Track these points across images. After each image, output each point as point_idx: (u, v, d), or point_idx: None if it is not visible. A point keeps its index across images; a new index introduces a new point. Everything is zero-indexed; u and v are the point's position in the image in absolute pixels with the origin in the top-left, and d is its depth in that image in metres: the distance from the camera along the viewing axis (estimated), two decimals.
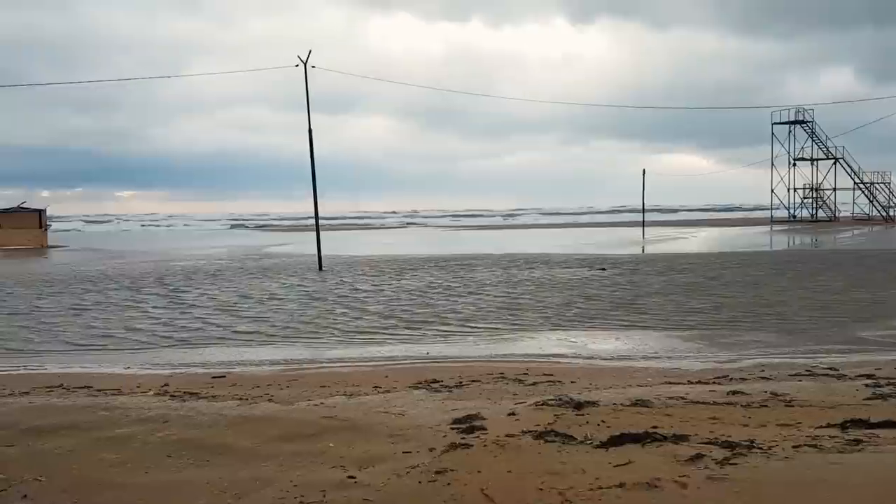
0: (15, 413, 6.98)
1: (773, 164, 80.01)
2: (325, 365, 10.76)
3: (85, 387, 9.27)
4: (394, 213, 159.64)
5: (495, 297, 18.77)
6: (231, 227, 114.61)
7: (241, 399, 8.17)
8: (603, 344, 12.40)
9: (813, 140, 77.18)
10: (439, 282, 22.92)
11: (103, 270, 30.58)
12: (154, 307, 18.36)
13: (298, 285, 22.75)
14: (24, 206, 57.43)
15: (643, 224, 68.52)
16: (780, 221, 76.82)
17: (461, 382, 8.76)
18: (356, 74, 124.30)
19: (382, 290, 20.89)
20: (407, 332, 14.01)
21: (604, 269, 25.61)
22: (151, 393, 8.71)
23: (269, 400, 8.07)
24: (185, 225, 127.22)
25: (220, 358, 11.78)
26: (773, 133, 79.45)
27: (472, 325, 14.73)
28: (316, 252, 28.29)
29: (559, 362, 10.57)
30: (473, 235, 66.97)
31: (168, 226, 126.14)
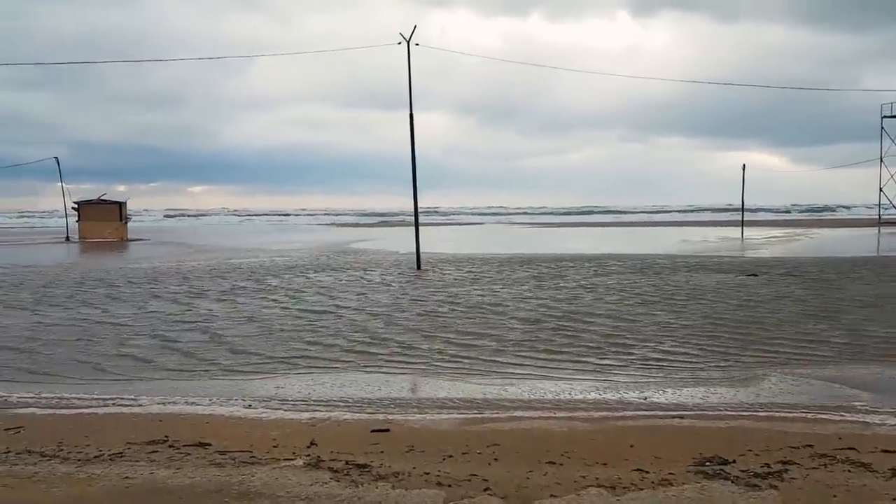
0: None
1: (881, 160, 73.98)
2: (513, 412, 7.83)
3: (200, 444, 6.60)
4: (463, 208, 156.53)
5: (681, 308, 15.48)
6: (312, 224, 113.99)
7: (439, 484, 5.35)
8: None
9: None
10: (585, 284, 19.86)
11: (196, 267, 28.58)
12: (263, 315, 15.85)
13: (402, 285, 20.02)
14: (104, 197, 56.83)
15: (742, 224, 63.95)
16: (889, 223, 70.78)
17: (769, 467, 5.71)
18: (456, 51, 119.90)
19: (521, 294, 17.90)
20: (581, 357, 10.96)
21: (755, 275, 22.05)
22: (300, 463, 5.96)
23: (488, 491, 5.21)
24: (253, 219, 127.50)
25: (364, 390, 9.00)
26: (882, 126, 73.47)
27: (679, 348, 11.56)
28: (408, 249, 25.63)
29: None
30: (560, 233, 63.46)
31: (243, 220, 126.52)
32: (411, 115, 25.30)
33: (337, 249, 39.62)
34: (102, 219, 54.73)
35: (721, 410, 7.80)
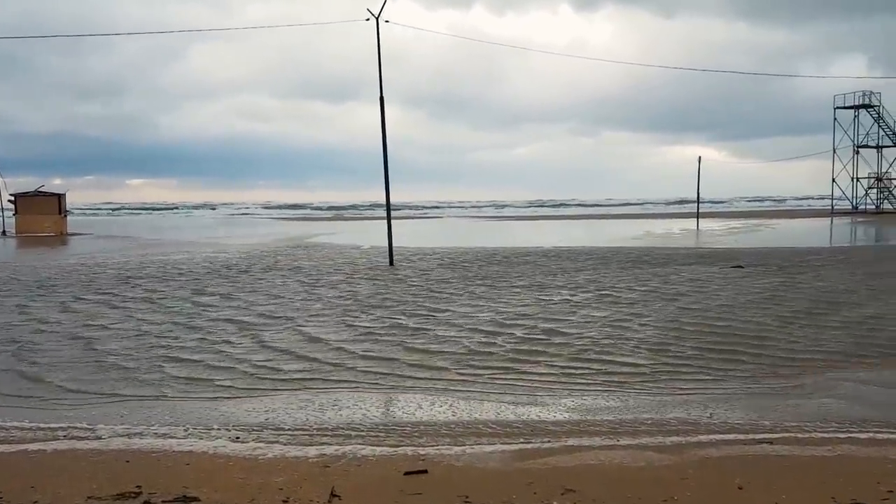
0: None
1: (834, 151, 75.31)
2: (565, 440, 6.43)
3: (185, 499, 5.04)
4: (415, 203, 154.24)
5: (685, 307, 14.31)
6: (256, 216, 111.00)
7: None
8: None
9: (880, 126, 72.24)
10: (574, 283, 18.59)
11: (143, 261, 26.42)
12: (235, 316, 14.13)
13: (381, 283, 18.49)
14: (42, 190, 53.53)
15: (698, 216, 64.10)
16: (842, 213, 72.03)
17: None
18: (431, 31, 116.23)
19: (504, 296, 16.55)
20: (600, 363, 9.64)
21: (741, 267, 21.18)
22: None
23: None
24: (198, 212, 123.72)
25: (372, 413, 7.49)
26: (835, 118, 74.76)
27: (707, 353, 10.37)
28: (371, 243, 23.98)
29: None
30: (520, 226, 62.54)
31: (187, 213, 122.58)
32: (381, 99, 23.70)
33: (295, 244, 37.71)
34: (41, 212, 51.47)
35: (810, 432, 6.56)
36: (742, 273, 19.77)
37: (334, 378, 9.08)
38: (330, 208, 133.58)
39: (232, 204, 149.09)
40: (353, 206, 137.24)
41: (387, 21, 23.07)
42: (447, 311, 14.06)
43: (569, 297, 15.55)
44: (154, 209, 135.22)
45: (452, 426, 6.93)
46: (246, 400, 8.17)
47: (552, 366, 9.52)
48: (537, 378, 8.92)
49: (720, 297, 15.25)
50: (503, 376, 9.01)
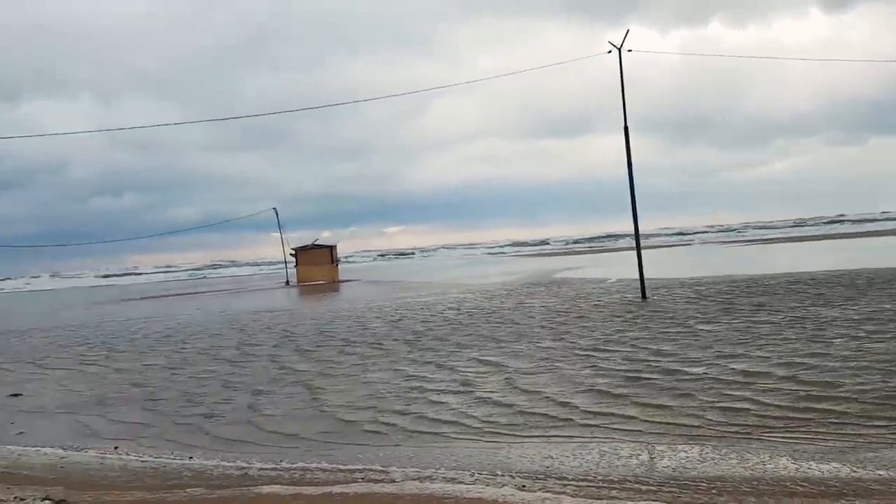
0: None
1: None
2: None
3: None
4: (658, 231, 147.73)
5: None
6: (497, 254, 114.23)
7: None
8: None
9: None
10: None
11: (408, 304, 28.23)
12: (484, 356, 14.46)
13: (637, 321, 17.80)
14: (317, 242, 59.76)
15: None
16: None
17: None
18: (676, 52, 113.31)
19: (773, 334, 15.07)
20: None
21: None
22: None
23: None
24: (447, 254, 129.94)
25: (658, 463, 7.07)
26: None
27: None
28: (617, 276, 23.13)
29: None
30: (780, 249, 57.31)
31: (438, 256, 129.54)
32: (626, 129, 23.22)
33: (538, 281, 37.93)
34: (317, 262, 57.48)
35: None
36: None
37: (606, 425, 8.76)
38: (572, 242, 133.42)
39: (473, 244, 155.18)
40: (591, 239, 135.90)
41: (629, 51, 22.66)
42: (725, 353, 13.08)
43: (853, 334, 13.70)
44: (405, 254, 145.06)
45: (754, 483, 6.28)
46: (521, 445, 8.15)
47: (842, 417, 8.34)
48: (837, 435, 7.86)
49: None
50: (797, 428, 8.06)
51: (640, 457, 7.39)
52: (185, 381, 14.49)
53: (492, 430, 8.93)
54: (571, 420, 9.04)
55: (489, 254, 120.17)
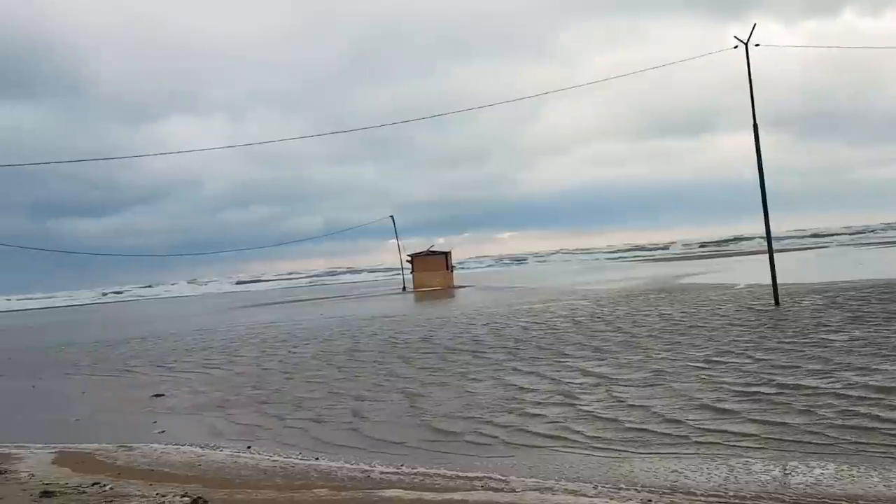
0: None
1: None
2: None
3: None
4: (789, 233, 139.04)
5: None
6: (617, 259, 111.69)
7: None
8: None
9: None
10: None
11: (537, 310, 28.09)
12: (592, 368, 14.11)
13: (771, 330, 16.83)
14: (432, 249, 60.61)
15: None
16: None
17: None
18: (808, 46, 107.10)
19: None
20: None
21: None
22: None
23: None
24: (563, 260, 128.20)
25: (793, 479, 6.63)
26: None
27: None
28: (747, 281, 22.00)
29: None
30: None
31: (552, 262, 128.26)
32: (755, 126, 22.10)
33: (661, 287, 36.68)
34: (432, 269, 58.32)
35: None
36: None
37: (724, 442, 8.29)
38: (698, 246, 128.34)
39: (591, 249, 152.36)
40: (717, 242, 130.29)
41: (757, 45, 21.59)
42: (856, 366, 12.17)
43: None
44: (520, 260, 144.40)
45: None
46: (643, 459, 7.86)
47: None
48: None
49: None
50: None
51: (772, 472, 6.96)
52: (297, 385, 15.08)
53: (601, 445, 8.66)
54: (687, 438, 8.59)
55: (609, 259, 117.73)
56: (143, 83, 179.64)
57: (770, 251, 23.28)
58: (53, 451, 10.68)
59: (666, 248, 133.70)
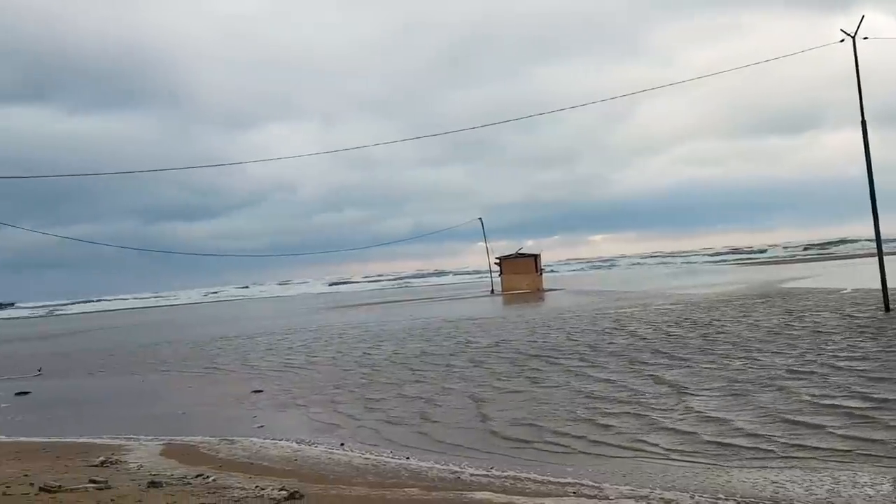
0: None
1: None
2: None
3: None
4: None
5: None
6: (717, 262, 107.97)
7: None
8: None
9: None
10: None
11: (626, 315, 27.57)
12: (677, 379, 13.64)
13: (886, 339, 15.84)
14: (521, 251, 60.32)
15: None
16: None
17: None
18: None
19: None
20: None
21: None
22: None
23: None
24: (658, 263, 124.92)
25: None
26: None
27: None
28: (856, 285, 20.73)
29: None
30: None
31: (648, 265, 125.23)
32: (863, 122, 20.94)
33: (763, 291, 35.15)
34: (521, 272, 58.02)
35: None
36: None
37: (822, 454, 7.85)
38: (802, 248, 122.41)
39: (687, 252, 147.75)
40: (822, 245, 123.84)
41: (865, 38, 20.45)
42: None
43: None
44: (612, 263, 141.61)
45: None
46: (741, 470, 7.56)
47: None
48: None
49: None
50: None
51: (881, 486, 6.56)
52: (370, 384, 15.49)
53: (678, 457, 8.35)
54: (772, 452, 8.16)
55: (706, 262, 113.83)
56: (241, 93, 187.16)
57: (880, 254, 21.98)
58: (161, 442, 11.25)
59: (763, 251, 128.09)
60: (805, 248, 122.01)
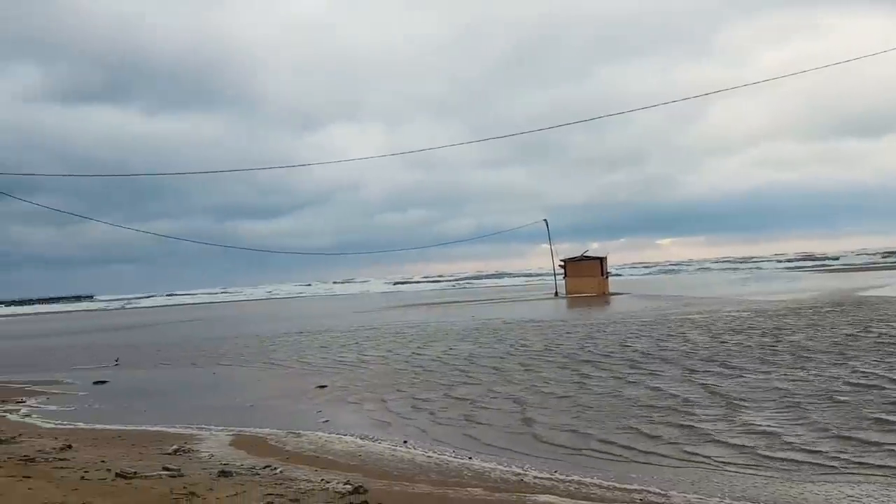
0: None
1: None
2: None
3: None
4: None
5: None
6: (793, 268, 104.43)
7: None
8: None
9: None
10: None
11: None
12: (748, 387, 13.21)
13: None
14: (586, 254, 59.55)
15: None
16: None
17: None
18: None
19: None
20: None
21: None
22: None
23: None
24: (729, 268, 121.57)
25: None
26: None
27: None
28: None
29: None
30: None
31: (718, 270, 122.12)
32: None
33: (837, 300, 33.75)
34: (586, 274, 57.27)
35: None
36: None
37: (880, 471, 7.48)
38: (882, 256, 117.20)
39: (759, 258, 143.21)
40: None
41: None
42: None
43: None
44: (681, 268, 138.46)
45: None
46: (814, 483, 7.28)
47: None
48: None
49: None
50: None
51: None
52: (414, 384, 15.58)
53: (733, 469, 8.08)
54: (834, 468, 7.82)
55: (780, 268, 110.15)
56: (308, 94, 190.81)
57: None
58: (231, 433, 11.56)
59: (836, 258, 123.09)
60: (884, 256, 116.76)
